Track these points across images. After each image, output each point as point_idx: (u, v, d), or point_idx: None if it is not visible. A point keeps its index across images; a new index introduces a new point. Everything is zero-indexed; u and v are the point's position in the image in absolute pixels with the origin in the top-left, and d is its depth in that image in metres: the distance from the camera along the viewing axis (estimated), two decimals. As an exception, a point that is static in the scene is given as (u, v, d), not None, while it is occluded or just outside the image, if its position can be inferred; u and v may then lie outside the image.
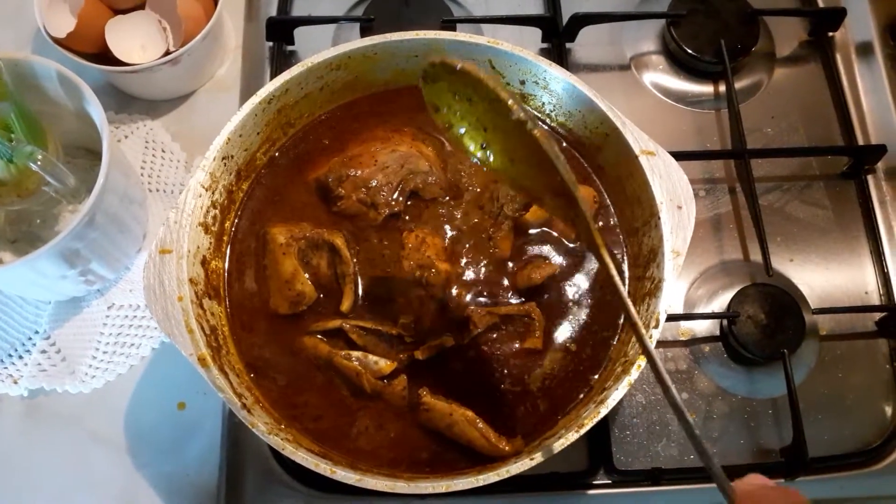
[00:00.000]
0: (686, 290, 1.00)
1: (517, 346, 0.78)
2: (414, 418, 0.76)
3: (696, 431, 0.57)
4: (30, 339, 0.97)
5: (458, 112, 0.63)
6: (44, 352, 0.97)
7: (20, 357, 0.96)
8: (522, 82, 0.86)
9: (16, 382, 0.95)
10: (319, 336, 0.78)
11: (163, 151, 1.07)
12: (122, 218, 0.91)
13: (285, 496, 0.89)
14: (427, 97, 0.65)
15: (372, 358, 0.75)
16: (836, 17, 1.12)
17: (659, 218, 0.76)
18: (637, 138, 0.79)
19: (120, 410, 0.94)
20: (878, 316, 0.98)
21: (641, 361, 0.71)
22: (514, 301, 0.79)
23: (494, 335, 0.78)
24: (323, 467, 0.67)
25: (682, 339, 0.97)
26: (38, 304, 0.99)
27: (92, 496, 0.91)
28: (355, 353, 0.75)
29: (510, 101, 0.58)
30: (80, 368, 0.96)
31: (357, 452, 0.74)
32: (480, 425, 0.73)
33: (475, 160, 0.65)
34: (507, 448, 0.72)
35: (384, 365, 0.75)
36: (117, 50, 0.98)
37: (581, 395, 0.77)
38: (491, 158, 0.64)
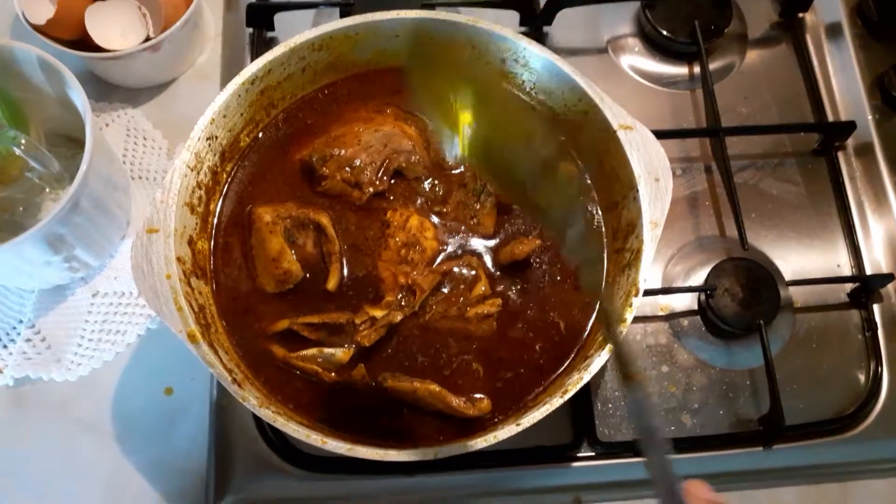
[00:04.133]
0: (664, 267, 1.01)
1: (468, 298, 0.78)
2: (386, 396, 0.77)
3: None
4: (14, 328, 0.97)
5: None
6: (28, 340, 0.96)
7: (4, 346, 0.96)
8: (503, 60, 0.87)
9: (0, 372, 0.94)
10: (275, 338, 0.78)
11: (144, 139, 1.07)
12: (107, 204, 0.91)
13: (275, 478, 0.89)
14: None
15: (328, 351, 0.76)
16: (805, -2, 1.15)
17: (637, 191, 0.77)
18: (615, 113, 0.80)
19: (107, 397, 0.94)
20: (849, 287, 1.01)
21: (623, 329, 0.73)
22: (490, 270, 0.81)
23: (443, 294, 0.79)
24: (314, 437, 0.68)
25: (662, 314, 0.98)
26: (22, 293, 0.98)
27: (79, 483, 0.91)
28: (310, 352, 0.76)
29: None
30: (66, 356, 0.95)
31: (345, 430, 0.75)
32: (444, 397, 0.74)
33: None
34: (473, 413, 0.74)
35: (341, 354, 0.75)
36: (97, 37, 0.97)
37: (564, 365, 0.79)
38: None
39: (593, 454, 0.90)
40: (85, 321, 0.98)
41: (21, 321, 0.97)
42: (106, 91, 1.09)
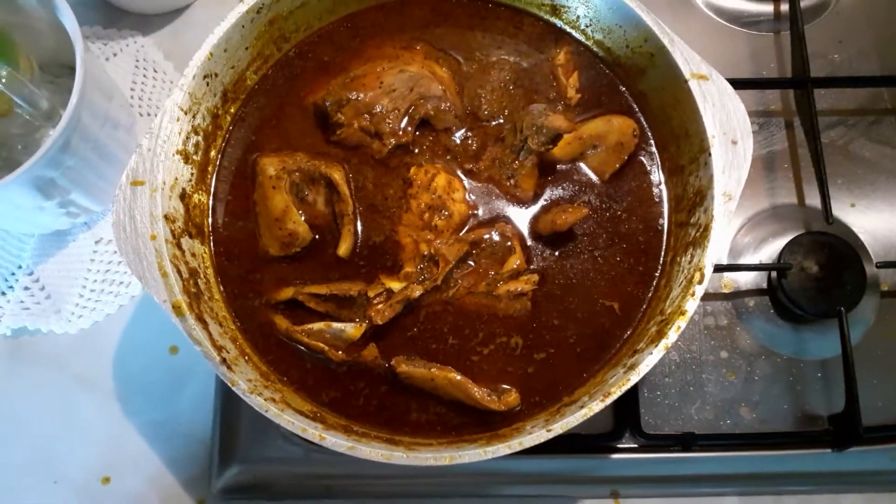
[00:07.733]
0: (732, 237, 0.90)
1: (499, 273, 0.69)
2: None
3: None
4: (12, 274, 0.91)
5: None
6: (27, 288, 0.91)
7: (2, 294, 0.90)
8: (554, -9, 0.74)
9: (-3, 321, 0.89)
10: (279, 308, 0.69)
11: (154, 72, 0.98)
12: (105, 144, 0.83)
13: (282, 448, 0.83)
14: None
15: (337, 326, 0.67)
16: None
17: (709, 154, 0.66)
18: (688, 59, 0.68)
19: (108, 353, 0.90)
20: (950, 271, 0.87)
21: (681, 322, 0.61)
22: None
23: (470, 267, 0.69)
24: (311, 433, 0.60)
25: (725, 291, 0.88)
26: (22, 238, 0.92)
27: (78, 443, 0.87)
28: (316, 326, 0.67)
29: None
30: (66, 307, 0.90)
31: (351, 414, 0.67)
32: (466, 388, 0.65)
33: None
34: (501, 407, 0.65)
35: (352, 331, 0.67)
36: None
37: (608, 356, 0.68)
38: None
39: (636, 446, 0.83)
40: (87, 270, 0.91)
41: (20, 267, 0.91)
42: (114, 17, 1.00)
